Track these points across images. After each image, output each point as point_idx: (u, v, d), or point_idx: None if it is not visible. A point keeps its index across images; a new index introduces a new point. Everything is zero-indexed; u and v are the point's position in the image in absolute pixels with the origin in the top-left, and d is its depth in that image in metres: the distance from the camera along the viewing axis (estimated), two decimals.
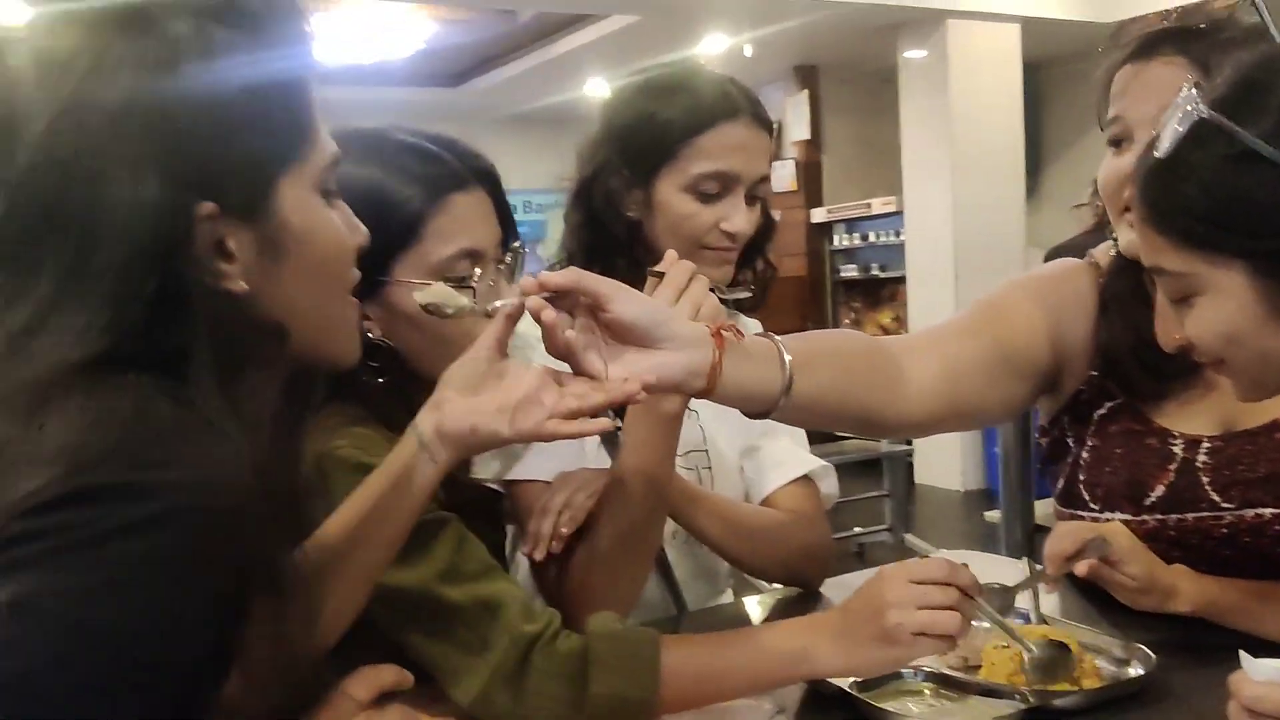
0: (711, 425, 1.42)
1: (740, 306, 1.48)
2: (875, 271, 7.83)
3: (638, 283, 1.25)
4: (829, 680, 1.05)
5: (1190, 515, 1.20)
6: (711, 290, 1.09)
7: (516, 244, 1.16)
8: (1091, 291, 1.32)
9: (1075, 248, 4.18)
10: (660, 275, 1.07)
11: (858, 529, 5.13)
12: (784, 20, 5.99)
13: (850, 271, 8.07)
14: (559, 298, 0.89)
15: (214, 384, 0.65)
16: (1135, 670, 1.07)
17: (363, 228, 0.83)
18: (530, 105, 8.51)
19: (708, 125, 1.31)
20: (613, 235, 1.34)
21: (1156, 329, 1.03)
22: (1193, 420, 1.24)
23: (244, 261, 0.69)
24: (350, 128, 1.10)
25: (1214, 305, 0.94)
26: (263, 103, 0.70)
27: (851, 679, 1.05)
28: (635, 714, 0.96)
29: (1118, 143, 1.24)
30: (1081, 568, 1.14)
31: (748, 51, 6.84)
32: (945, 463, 6.41)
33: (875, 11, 5.95)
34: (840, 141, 8.07)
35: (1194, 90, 0.91)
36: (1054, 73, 7.68)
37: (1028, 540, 4.29)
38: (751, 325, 1.47)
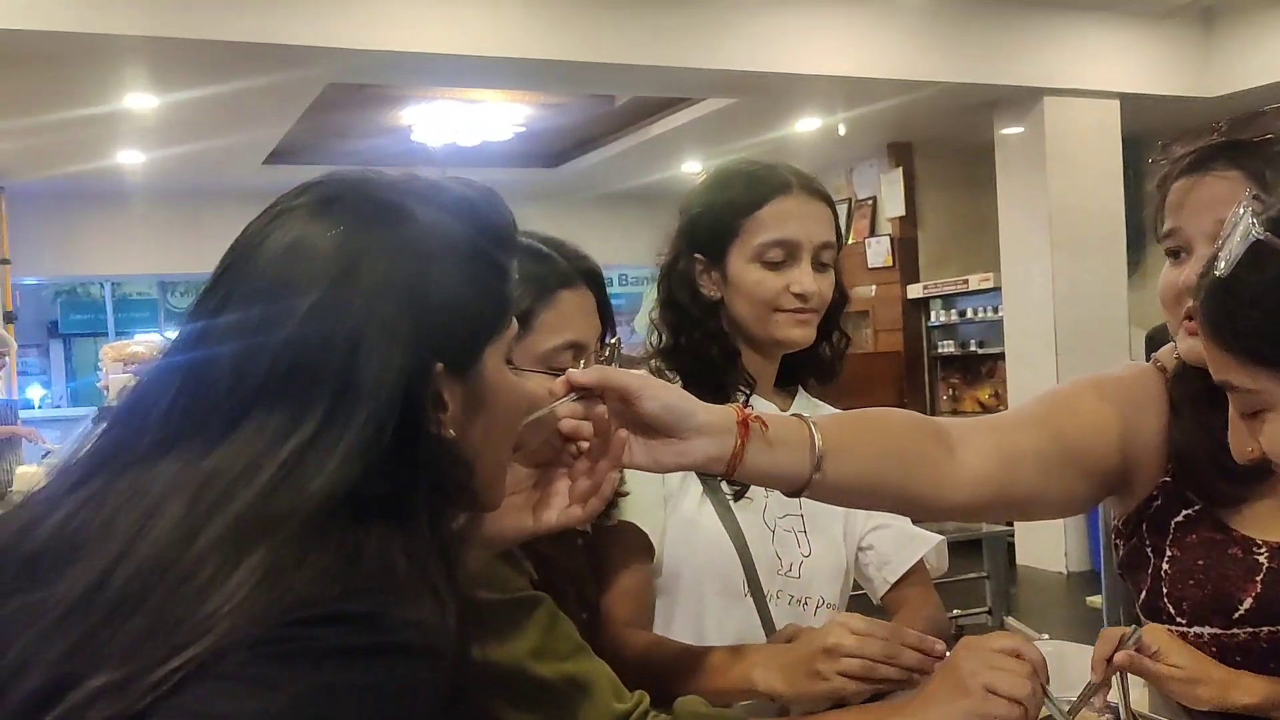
0: None
1: (820, 380, 1.56)
2: (973, 348, 7.74)
3: (718, 351, 1.43)
4: None
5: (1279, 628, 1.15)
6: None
7: (613, 340, 1.23)
8: (1162, 393, 1.28)
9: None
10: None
11: (956, 611, 5.01)
12: (877, 100, 6.06)
13: (948, 347, 7.99)
14: (590, 394, 0.96)
15: (427, 524, 0.75)
16: None
17: (537, 391, 0.94)
18: (627, 184, 8.69)
19: (764, 200, 1.44)
20: (690, 314, 1.46)
21: (1230, 441, 1.02)
22: (1276, 527, 1.18)
23: (454, 412, 0.79)
24: None
25: None
26: (482, 283, 0.83)
27: None
28: None
29: (1175, 254, 1.23)
30: (1120, 657, 1.10)
31: (841, 130, 6.91)
32: (1048, 543, 6.24)
33: (970, 90, 5.97)
34: (936, 217, 8.06)
35: (1249, 209, 0.93)
36: (1158, 148, 7.59)
37: (1133, 624, 4.20)
38: (824, 409, 1.55)
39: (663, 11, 5.13)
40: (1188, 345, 1.18)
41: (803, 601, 1.43)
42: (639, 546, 1.35)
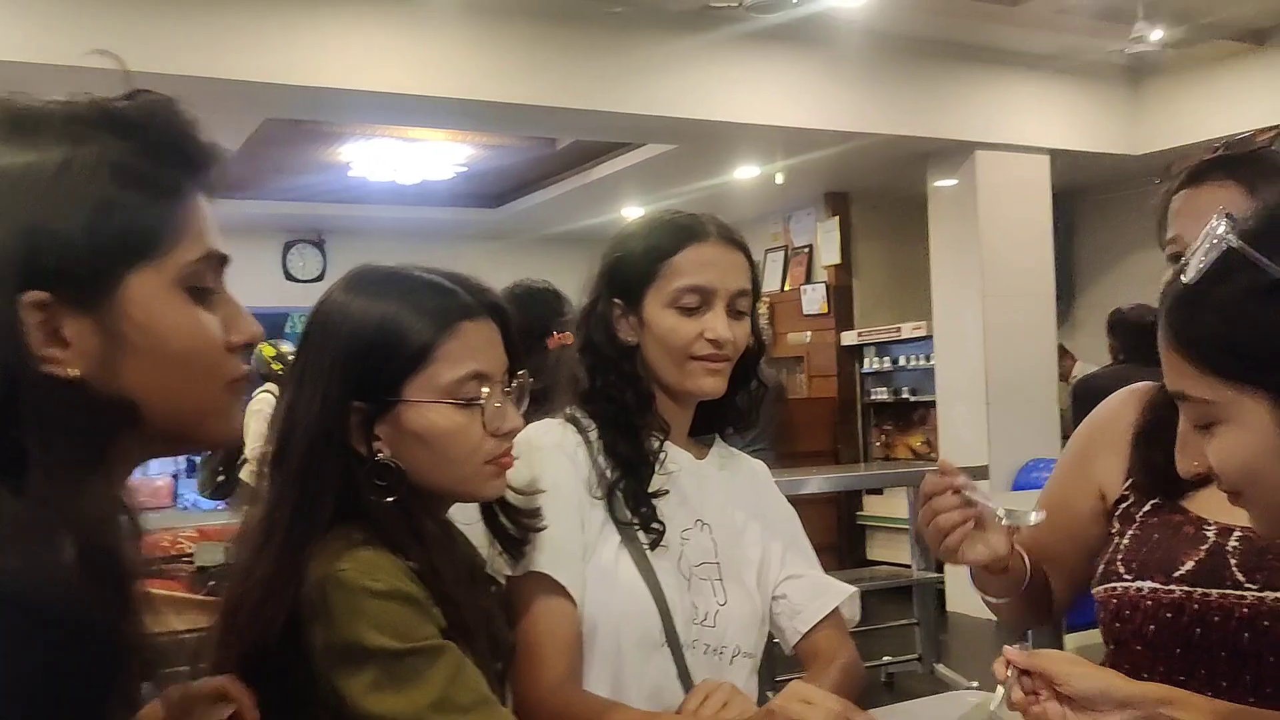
0: (724, 537, 1.46)
1: (736, 427, 1.56)
2: (906, 395, 7.84)
3: (632, 395, 1.43)
4: None
5: (1215, 591, 1.24)
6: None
7: (521, 373, 1.23)
8: (1134, 414, 1.43)
9: (1103, 378, 4.20)
10: None
11: (887, 657, 5.03)
12: (814, 150, 6.15)
13: (881, 394, 8.08)
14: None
15: (51, 473, 0.68)
16: None
17: (253, 326, 0.86)
18: (568, 226, 8.71)
19: (681, 246, 1.45)
20: (607, 357, 1.46)
21: (1177, 456, 1.03)
22: (1231, 513, 1.24)
23: (81, 349, 0.73)
24: (372, 265, 1.23)
25: (1235, 435, 0.93)
26: (111, 204, 0.75)
27: None
28: None
29: (1178, 258, 1.28)
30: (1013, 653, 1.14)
31: (779, 179, 7.00)
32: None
33: (905, 142, 6.09)
34: (871, 266, 8.18)
35: (1225, 220, 0.92)
36: (1087, 201, 7.80)
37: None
38: (741, 458, 1.58)
39: (604, 57, 5.18)
40: None
41: (719, 651, 1.41)
42: (560, 597, 1.32)
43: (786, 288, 8.43)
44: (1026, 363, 6.33)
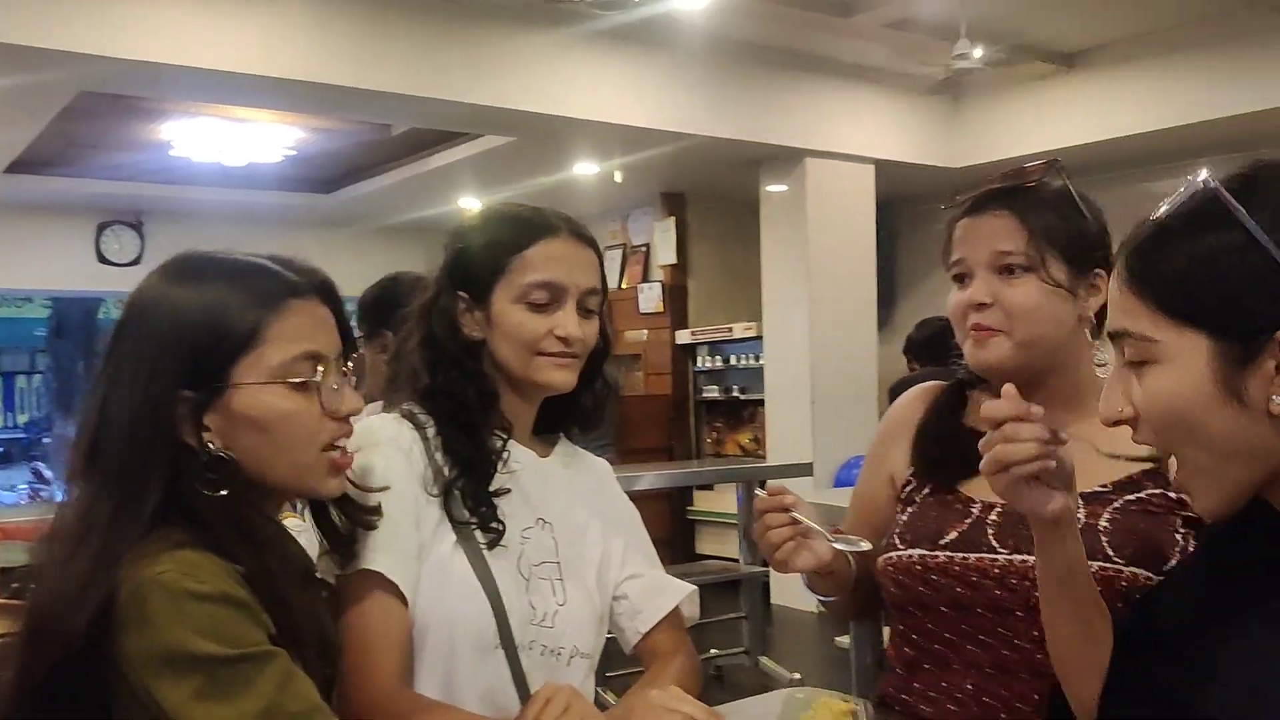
0: (565, 536, 1.44)
1: (582, 427, 1.55)
2: (736, 393, 8.01)
3: (477, 394, 1.40)
4: None
5: (973, 555, 1.42)
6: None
7: (357, 354, 1.20)
8: (919, 410, 1.61)
9: (914, 379, 4.44)
10: None
11: (714, 650, 5.13)
12: (652, 149, 6.21)
13: (713, 392, 8.24)
14: None
15: None
16: None
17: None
18: (403, 216, 8.54)
19: (531, 241, 1.42)
20: (449, 353, 1.43)
21: (1102, 401, 1.03)
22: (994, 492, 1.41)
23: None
24: (191, 251, 1.17)
25: (1168, 374, 0.95)
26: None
27: None
28: None
29: (960, 279, 1.48)
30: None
31: (618, 177, 7.05)
32: (800, 584, 6.48)
33: (738, 146, 6.21)
34: (705, 266, 8.32)
35: (1207, 170, 0.95)
36: (908, 211, 8.12)
37: (877, 664, 4.41)
38: (586, 457, 1.57)
39: (443, 45, 5.10)
40: (974, 356, 1.47)
41: (556, 652, 1.39)
42: (392, 597, 1.28)
43: (624, 285, 8.49)
44: (849, 364, 6.56)
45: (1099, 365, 1.36)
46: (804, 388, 6.51)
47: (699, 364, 8.26)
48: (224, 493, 1.07)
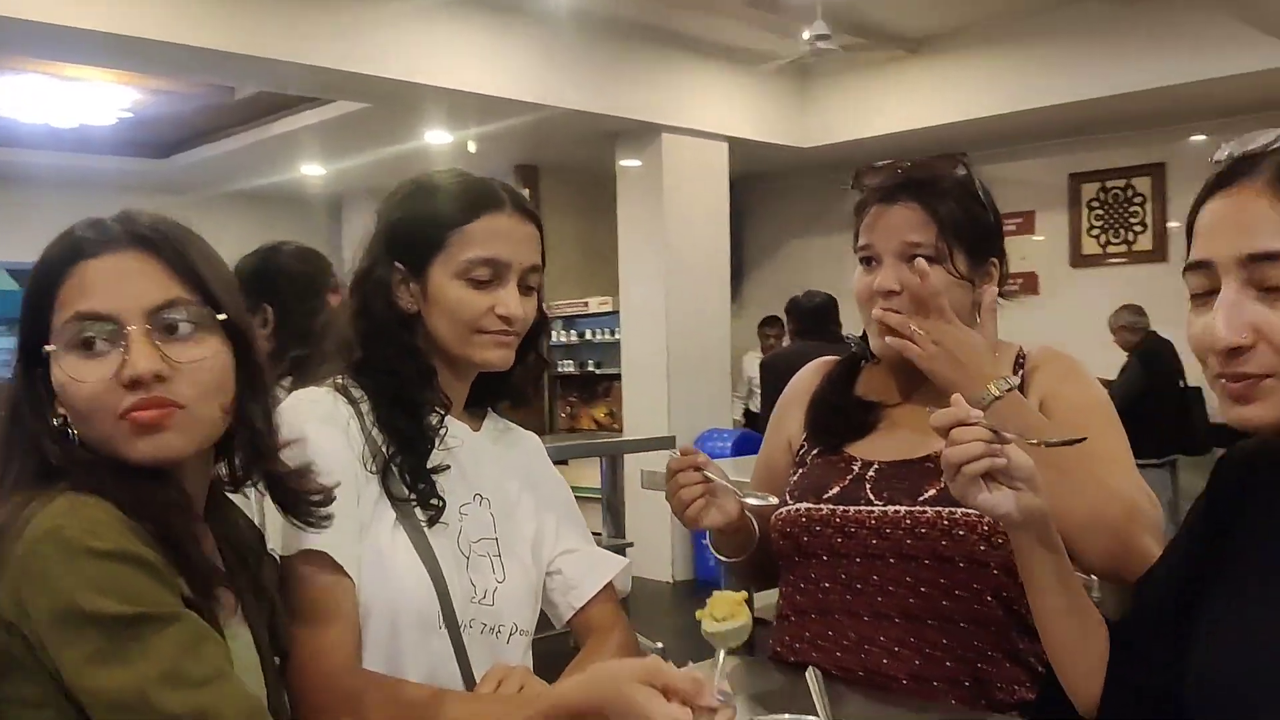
0: (501, 512, 1.43)
1: (514, 402, 1.53)
2: (591, 368, 8.03)
3: (421, 375, 1.35)
4: None
5: (852, 508, 1.53)
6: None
7: (177, 306, 1.05)
8: (815, 380, 1.71)
9: (785, 353, 4.54)
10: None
11: None
12: (504, 119, 6.12)
13: (568, 367, 8.24)
14: None
15: None
16: None
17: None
18: (243, 183, 8.24)
19: (475, 215, 1.37)
20: (385, 326, 1.37)
21: (1220, 327, 0.97)
22: (874, 451, 1.58)
23: None
24: None
25: None
26: None
27: None
28: None
29: (868, 262, 1.55)
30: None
31: (472, 147, 6.96)
32: (657, 554, 6.58)
33: (594, 119, 6.20)
34: (560, 240, 8.27)
35: None
36: (756, 189, 8.28)
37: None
38: (516, 431, 1.55)
39: (293, 4, 4.92)
40: (877, 340, 1.52)
41: (496, 630, 1.38)
42: (340, 575, 1.24)
43: None
44: (703, 339, 6.65)
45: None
46: (660, 361, 6.57)
47: (553, 339, 8.24)
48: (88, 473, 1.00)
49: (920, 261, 1.43)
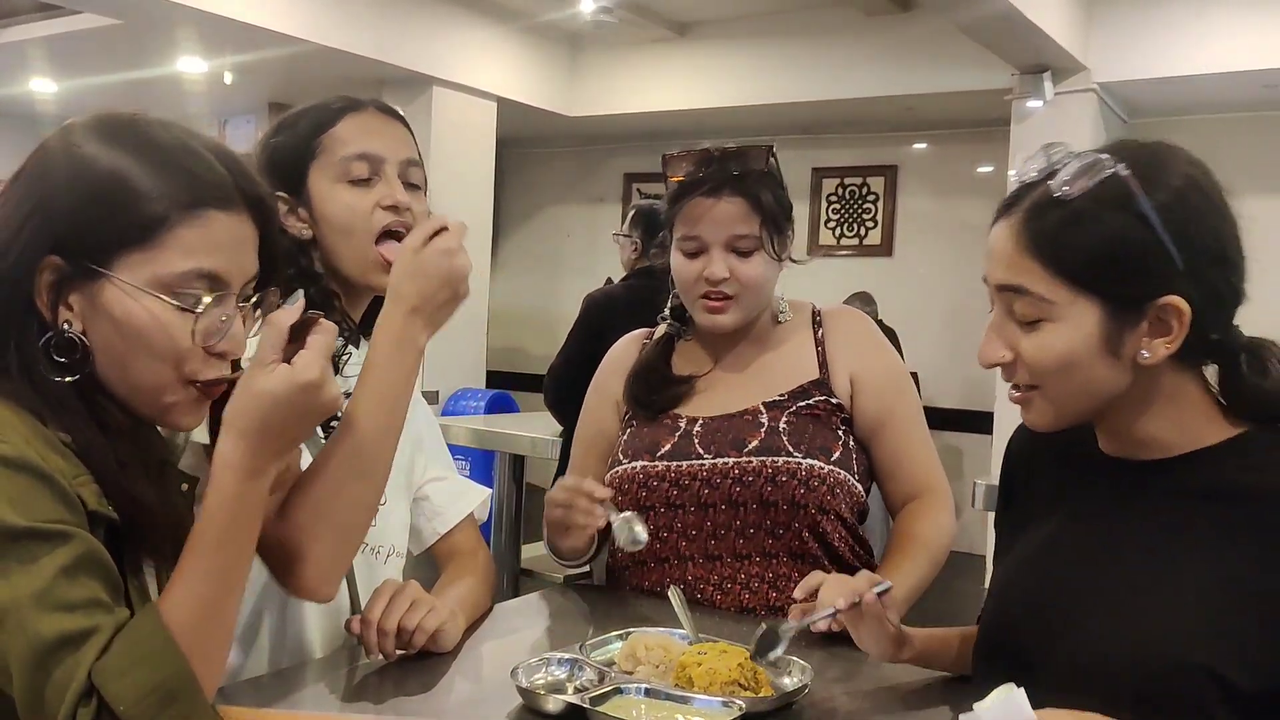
0: None
1: None
2: None
3: (324, 301, 1.32)
4: (556, 696, 1.17)
5: (684, 462, 1.67)
6: None
7: (273, 291, 1.05)
8: (633, 351, 1.83)
9: (614, 295, 4.41)
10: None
11: None
12: (263, 49, 5.81)
13: None
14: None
15: None
16: (798, 678, 1.26)
17: None
18: None
19: (337, 118, 1.37)
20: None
21: (982, 348, 1.13)
22: (696, 409, 1.74)
23: None
24: (129, 110, 1.01)
25: (1063, 332, 1.06)
26: None
27: (578, 693, 1.18)
28: (180, 690, 0.90)
29: (694, 254, 1.68)
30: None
31: (228, 79, 6.65)
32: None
33: (359, 63, 6.01)
34: None
35: (1109, 152, 1.06)
36: (516, 152, 8.33)
37: (513, 582, 4.63)
38: None
39: None
40: (708, 319, 1.69)
41: (376, 551, 1.41)
42: None
43: None
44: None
45: (780, 314, 1.77)
46: None
47: None
48: (68, 379, 0.96)
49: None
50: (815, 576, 1.30)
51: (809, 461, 1.63)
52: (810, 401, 1.71)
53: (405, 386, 1.19)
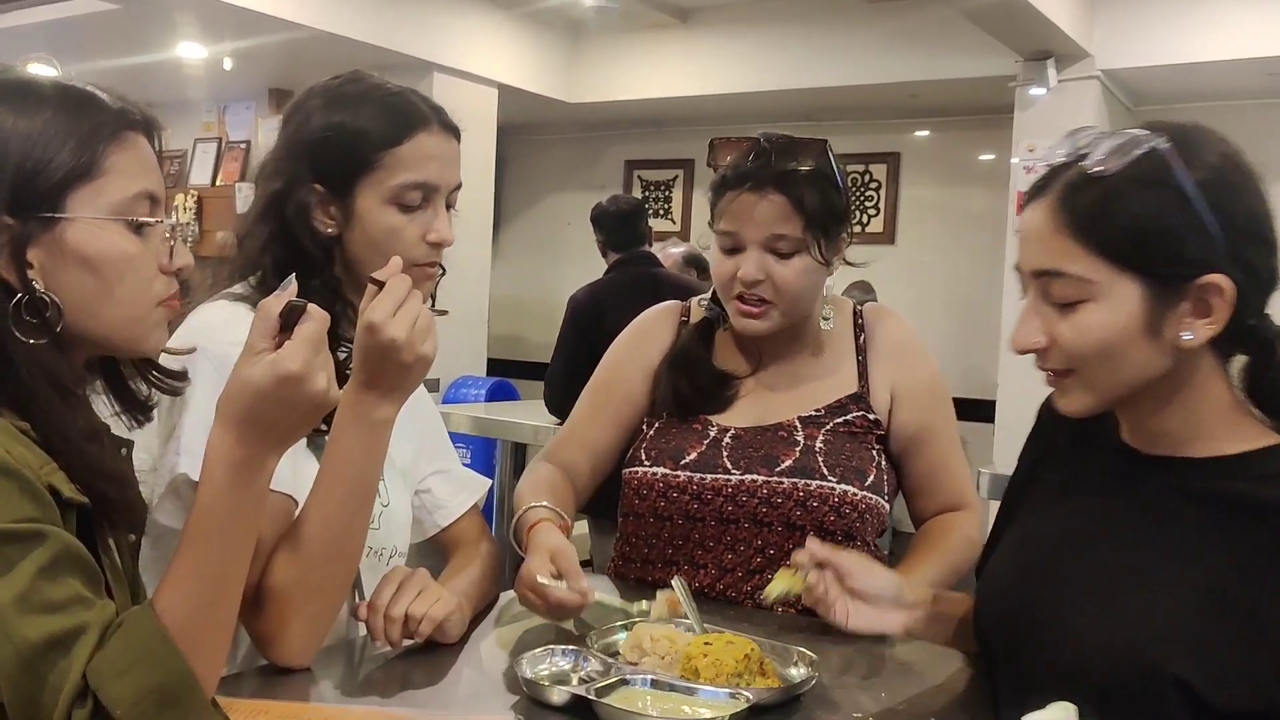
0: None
1: None
2: None
3: (330, 302, 1.25)
4: (561, 687, 1.17)
5: (709, 476, 1.59)
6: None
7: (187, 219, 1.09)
8: (670, 329, 1.73)
9: (601, 286, 4.39)
10: (380, 285, 1.10)
11: None
12: (264, 35, 5.78)
13: None
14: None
15: None
16: (805, 669, 1.26)
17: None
18: None
19: (407, 134, 1.30)
20: (309, 255, 1.30)
21: (1017, 331, 1.11)
22: (729, 418, 1.64)
23: None
24: (12, 68, 1.02)
25: (1104, 311, 1.04)
26: None
27: (583, 684, 1.18)
28: (179, 691, 0.89)
29: (731, 251, 1.58)
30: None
31: (228, 65, 6.61)
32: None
33: (360, 48, 5.97)
34: None
35: (1148, 129, 1.04)
36: (519, 139, 8.30)
37: (516, 571, 4.66)
38: None
39: None
40: (742, 323, 1.60)
41: (378, 553, 1.39)
42: (280, 495, 1.21)
43: (219, 183, 7.99)
44: (464, 285, 6.63)
45: (824, 319, 1.68)
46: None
47: None
48: (43, 341, 0.94)
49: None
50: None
51: (843, 487, 1.57)
52: (848, 418, 1.63)
53: (367, 463, 1.18)
